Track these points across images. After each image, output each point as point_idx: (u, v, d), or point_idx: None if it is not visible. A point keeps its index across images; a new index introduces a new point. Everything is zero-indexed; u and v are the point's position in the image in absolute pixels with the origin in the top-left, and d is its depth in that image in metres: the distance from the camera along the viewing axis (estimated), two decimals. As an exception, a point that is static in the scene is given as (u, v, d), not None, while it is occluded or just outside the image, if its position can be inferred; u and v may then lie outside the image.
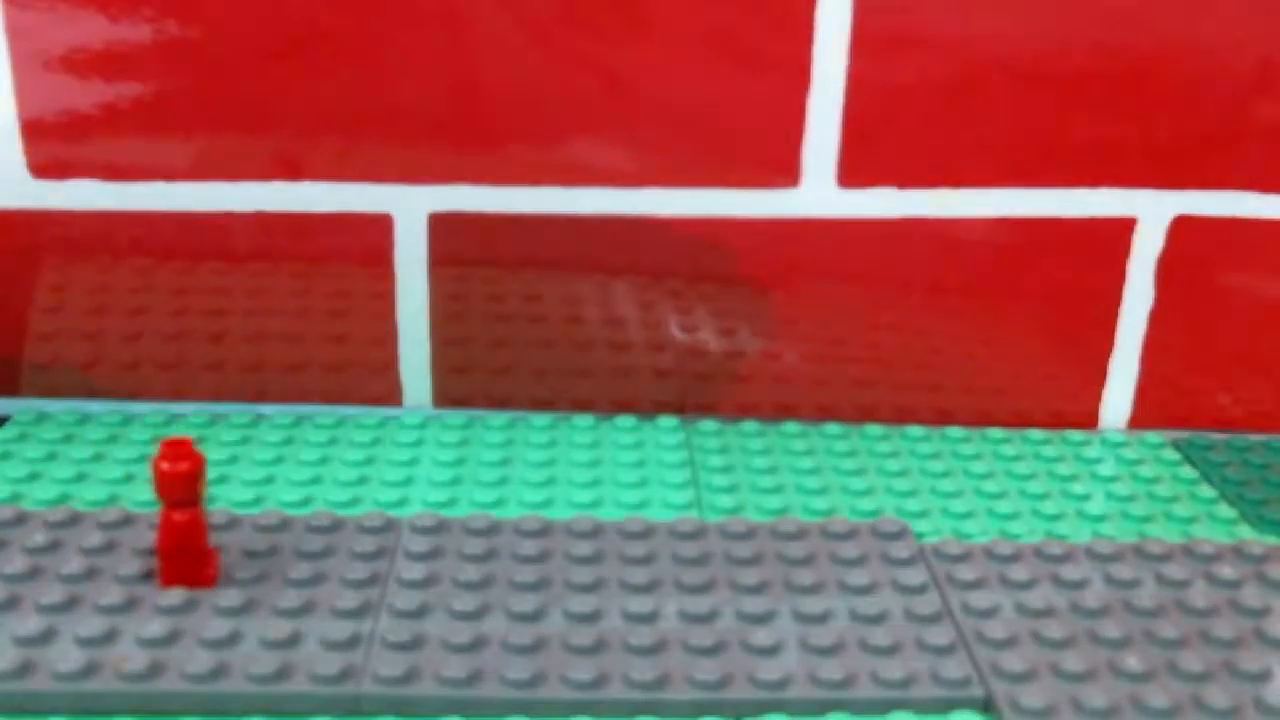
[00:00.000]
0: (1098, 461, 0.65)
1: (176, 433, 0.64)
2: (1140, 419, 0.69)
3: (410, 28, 0.61)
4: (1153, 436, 0.68)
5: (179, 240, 0.64)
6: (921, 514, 0.59)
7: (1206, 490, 0.63)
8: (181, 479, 0.48)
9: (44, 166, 0.62)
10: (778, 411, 0.68)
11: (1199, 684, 0.46)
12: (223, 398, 0.67)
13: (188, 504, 0.49)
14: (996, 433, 0.67)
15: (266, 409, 0.67)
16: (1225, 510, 0.61)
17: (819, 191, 0.64)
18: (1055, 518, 0.59)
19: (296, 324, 0.66)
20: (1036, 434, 0.68)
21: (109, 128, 0.62)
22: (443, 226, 0.64)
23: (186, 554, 0.50)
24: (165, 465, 0.48)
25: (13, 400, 0.66)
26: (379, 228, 0.64)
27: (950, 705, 0.46)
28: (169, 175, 0.63)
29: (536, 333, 0.67)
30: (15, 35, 0.60)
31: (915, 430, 0.67)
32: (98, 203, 0.63)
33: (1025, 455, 0.65)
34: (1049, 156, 0.64)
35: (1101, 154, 0.64)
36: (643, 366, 0.68)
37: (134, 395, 0.67)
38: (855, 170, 0.64)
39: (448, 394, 0.68)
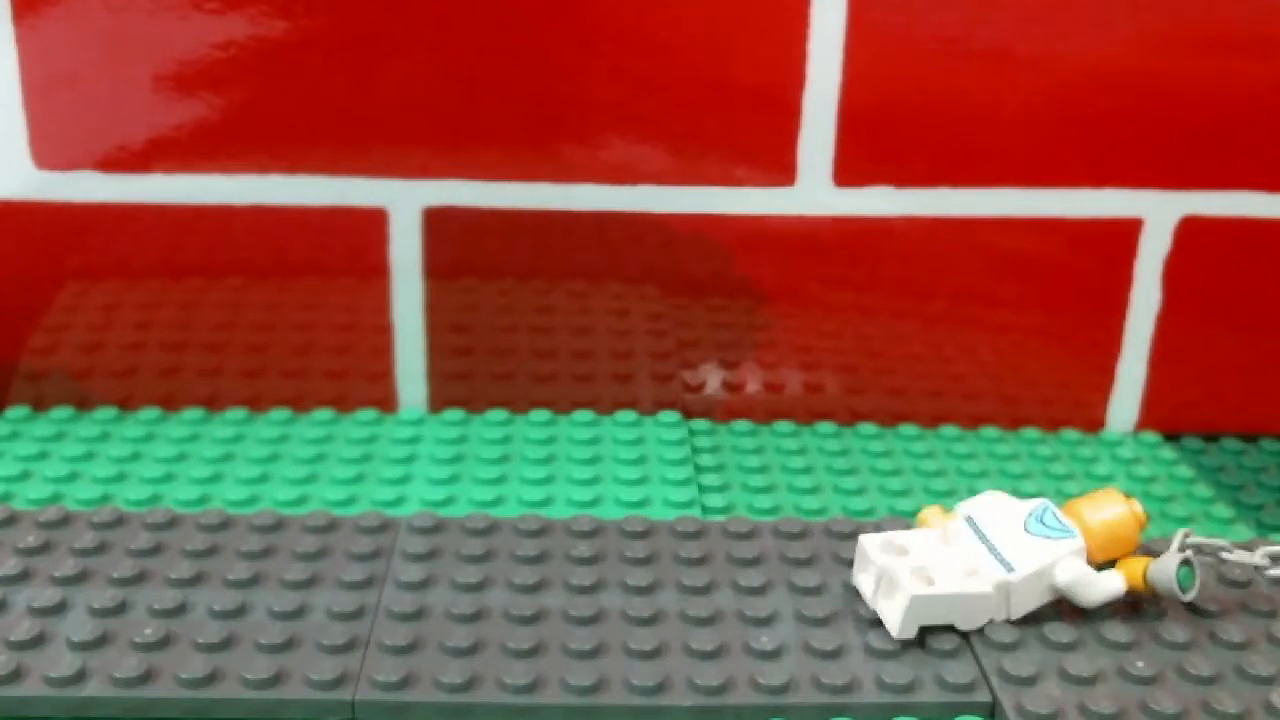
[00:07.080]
0: (1093, 460, 0.65)
1: (170, 430, 0.64)
2: (1148, 422, 0.68)
3: (408, 23, 0.60)
4: (1149, 436, 0.68)
5: (177, 238, 0.63)
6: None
7: (1203, 490, 0.62)
8: None
9: (43, 155, 0.61)
10: (769, 414, 0.67)
11: (1208, 687, 0.46)
12: (219, 405, 0.66)
13: None
14: (990, 431, 0.67)
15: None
16: (1222, 510, 0.60)
17: (815, 190, 0.63)
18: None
19: (295, 319, 0.65)
20: (1031, 433, 0.67)
21: (105, 122, 0.61)
22: (437, 221, 0.63)
23: None
24: None
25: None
26: (374, 222, 0.63)
27: (955, 710, 0.45)
28: (163, 168, 0.62)
29: (531, 324, 0.66)
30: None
31: (909, 429, 0.67)
32: (95, 195, 0.62)
33: (1020, 454, 0.65)
34: (1052, 156, 0.63)
35: (1107, 153, 0.63)
36: (642, 366, 0.67)
37: (126, 402, 0.66)
38: (851, 169, 0.63)
39: (444, 396, 0.67)
